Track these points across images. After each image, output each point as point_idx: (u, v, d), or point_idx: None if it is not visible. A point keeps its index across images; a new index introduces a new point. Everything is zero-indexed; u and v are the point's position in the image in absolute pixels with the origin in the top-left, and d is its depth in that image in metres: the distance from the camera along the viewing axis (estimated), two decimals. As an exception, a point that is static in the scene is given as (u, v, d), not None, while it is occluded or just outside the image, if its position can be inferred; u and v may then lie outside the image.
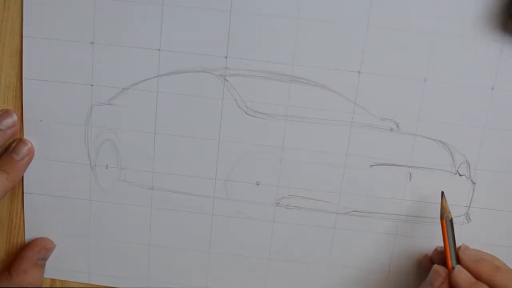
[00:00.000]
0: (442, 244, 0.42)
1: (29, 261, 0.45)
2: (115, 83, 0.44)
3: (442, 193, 0.43)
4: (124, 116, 0.44)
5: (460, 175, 0.44)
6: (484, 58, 0.42)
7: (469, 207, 0.45)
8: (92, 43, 0.43)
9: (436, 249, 0.44)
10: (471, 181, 0.44)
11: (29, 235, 0.47)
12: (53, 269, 0.48)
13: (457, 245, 0.42)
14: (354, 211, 0.45)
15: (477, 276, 0.39)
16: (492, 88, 0.42)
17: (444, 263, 0.41)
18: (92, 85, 0.44)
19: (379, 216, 0.45)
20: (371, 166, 0.44)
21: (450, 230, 0.42)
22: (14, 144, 0.44)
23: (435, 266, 0.41)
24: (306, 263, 0.47)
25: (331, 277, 0.47)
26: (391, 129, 0.44)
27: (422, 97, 0.43)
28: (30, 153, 0.44)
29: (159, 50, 0.43)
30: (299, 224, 0.46)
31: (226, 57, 0.43)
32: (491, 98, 0.43)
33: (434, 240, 0.45)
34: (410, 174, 0.44)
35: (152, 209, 0.46)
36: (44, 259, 0.46)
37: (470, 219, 0.45)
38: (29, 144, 0.44)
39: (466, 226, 0.45)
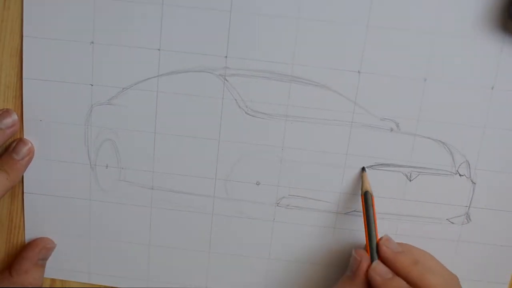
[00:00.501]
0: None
1: (29, 261, 0.45)
2: (115, 83, 0.44)
3: (363, 168, 0.43)
4: (124, 116, 0.44)
5: (460, 175, 0.44)
6: (484, 57, 0.42)
7: (469, 207, 0.45)
8: (92, 43, 0.43)
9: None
10: (471, 181, 0.44)
11: (29, 235, 0.47)
12: (53, 269, 0.48)
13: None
14: (354, 211, 0.45)
15: (395, 270, 0.39)
16: (492, 88, 0.42)
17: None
18: (92, 85, 0.44)
19: (379, 216, 0.45)
20: (371, 166, 0.44)
21: (370, 207, 0.41)
22: (14, 144, 0.44)
23: (354, 251, 0.41)
24: (306, 263, 0.47)
25: (331, 277, 0.47)
26: (391, 129, 0.44)
27: (422, 97, 0.43)
28: (30, 153, 0.44)
29: (159, 50, 0.43)
30: (299, 224, 0.46)
31: (226, 57, 0.43)
32: (491, 98, 0.43)
33: (434, 241, 0.45)
34: (410, 174, 0.44)
35: (152, 209, 0.46)
36: (45, 259, 0.46)
37: (470, 219, 0.45)
38: (29, 144, 0.44)
39: (466, 226, 0.45)
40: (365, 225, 0.42)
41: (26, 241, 0.47)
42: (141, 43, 0.43)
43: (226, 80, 0.43)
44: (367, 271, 0.40)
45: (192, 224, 0.46)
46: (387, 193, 0.45)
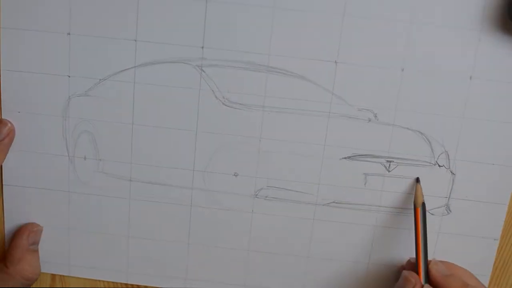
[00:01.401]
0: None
1: (20, 248, 0.45)
2: (92, 74, 0.43)
3: (417, 179, 0.43)
4: (102, 107, 0.44)
5: (439, 165, 0.44)
6: (462, 47, 0.41)
7: (449, 198, 0.45)
8: (69, 34, 0.43)
9: (409, 260, 0.45)
10: (451, 172, 0.44)
11: (8, 227, 0.47)
12: (33, 261, 0.48)
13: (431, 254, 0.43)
14: (333, 202, 0.45)
15: None
16: (471, 78, 0.42)
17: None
18: (69, 76, 0.44)
19: (358, 207, 0.45)
20: (349, 156, 0.44)
21: (422, 219, 0.42)
22: None
23: (406, 273, 0.41)
24: (285, 254, 0.46)
25: (310, 268, 0.47)
26: (369, 120, 0.43)
27: (400, 87, 0.43)
28: (11, 133, 0.44)
29: (135, 40, 0.43)
30: (278, 215, 0.46)
31: (202, 47, 0.42)
32: (470, 88, 0.42)
33: (413, 232, 0.45)
34: (389, 165, 0.44)
35: (131, 201, 0.46)
36: (35, 243, 0.46)
37: (450, 210, 0.45)
38: (8, 124, 0.44)
39: (446, 217, 0.45)
40: (418, 244, 0.42)
41: (6, 233, 0.47)
42: (118, 34, 0.43)
43: (203, 70, 0.43)
44: None
45: (171, 215, 0.46)
46: (366, 184, 0.44)
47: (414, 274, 0.41)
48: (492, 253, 0.46)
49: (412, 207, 0.43)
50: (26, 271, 0.45)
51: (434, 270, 0.41)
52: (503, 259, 0.46)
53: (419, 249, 0.42)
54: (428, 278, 0.41)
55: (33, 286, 0.48)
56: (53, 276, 0.48)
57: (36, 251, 0.47)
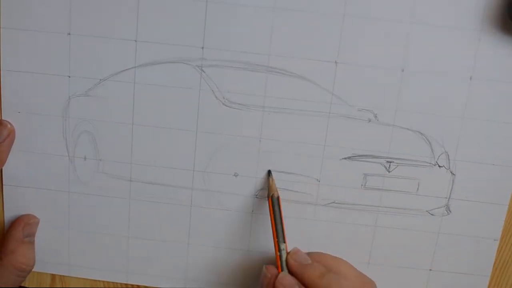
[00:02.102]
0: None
1: (15, 240, 0.45)
2: (93, 74, 0.44)
3: (269, 171, 0.43)
4: (102, 107, 0.44)
5: (439, 166, 0.44)
6: (462, 47, 0.41)
7: (449, 198, 0.45)
8: (69, 34, 0.43)
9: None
10: (451, 172, 0.44)
11: (8, 226, 0.47)
12: (33, 261, 0.48)
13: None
14: (333, 202, 0.45)
15: (302, 282, 0.39)
16: (471, 78, 0.42)
17: None
18: (69, 76, 0.44)
19: (358, 208, 0.45)
20: (349, 157, 0.44)
21: (277, 209, 0.41)
22: None
23: (264, 267, 0.41)
24: (285, 255, 0.46)
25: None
26: (369, 120, 0.43)
27: (400, 87, 0.43)
28: (11, 134, 0.44)
29: (135, 41, 0.43)
30: (278, 215, 0.45)
31: (202, 47, 0.43)
32: (470, 88, 0.42)
33: (414, 232, 0.45)
34: (389, 165, 0.44)
35: (131, 201, 0.46)
36: (30, 235, 0.46)
37: (450, 210, 0.45)
38: (8, 125, 0.44)
39: (446, 218, 0.45)
40: (273, 234, 0.41)
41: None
42: (118, 34, 0.43)
43: (203, 71, 0.43)
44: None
45: (171, 216, 0.46)
46: (366, 184, 0.44)
47: (272, 268, 0.41)
48: (492, 254, 0.46)
49: (413, 207, 0.43)
50: (19, 263, 0.45)
51: (292, 259, 0.40)
52: (503, 259, 0.46)
53: (274, 240, 0.41)
54: (288, 270, 0.41)
55: (33, 286, 0.48)
56: (53, 276, 0.48)
57: (32, 243, 0.46)
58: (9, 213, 0.47)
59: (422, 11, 0.41)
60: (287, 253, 0.41)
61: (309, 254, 0.42)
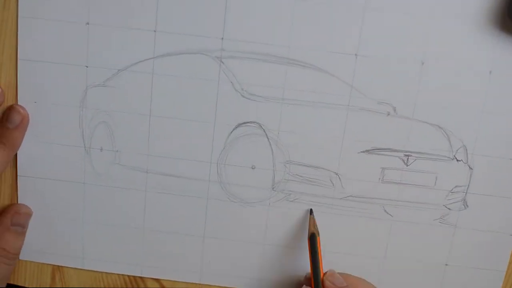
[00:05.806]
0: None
1: (1, 225, 0.44)
2: (111, 65, 0.43)
3: (311, 210, 0.44)
4: (119, 98, 0.44)
5: (457, 160, 0.44)
6: (482, 41, 0.41)
7: (466, 193, 0.45)
8: (88, 23, 0.43)
9: (305, 276, 0.45)
10: (469, 166, 0.44)
11: (22, 218, 0.46)
12: (46, 254, 0.47)
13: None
14: (350, 196, 0.45)
15: None
16: (490, 72, 0.42)
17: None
18: (87, 67, 0.43)
19: (376, 202, 0.45)
20: (367, 150, 0.44)
21: (316, 249, 0.42)
22: (6, 113, 0.43)
23: None
24: (301, 248, 0.46)
25: (325, 262, 0.46)
26: (388, 113, 0.43)
27: (419, 80, 0.42)
28: (24, 120, 0.43)
29: (155, 31, 0.42)
30: (295, 209, 0.45)
31: (222, 38, 0.42)
32: (489, 82, 0.42)
33: (431, 226, 0.45)
34: (407, 159, 0.44)
35: (147, 193, 0.46)
36: (20, 225, 0.45)
37: (467, 205, 0.45)
38: (21, 110, 0.43)
39: (463, 212, 0.45)
40: (310, 262, 0.42)
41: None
42: (137, 25, 0.42)
43: (222, 62, 0.43)
44: None
45: (187, 208, 0.46)
46: (384, 178, 0.44)
47: None
48: (508, 249, 0.45)
49: (430, 202, 0.43)
50: (1, 250, 0.44)
51: (328, 281, 0.42)
52: (520, 254, 0.46)
53: (311, 277, 0.42)
54: None
55: (33, 286, 0.48)
56: (53, 275, 0.48)
57: (19, 233, 0.45)
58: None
59: (442, 5, 0.41)
60: (323, 275, 0.42)
61: (343, 276, 0.43)
